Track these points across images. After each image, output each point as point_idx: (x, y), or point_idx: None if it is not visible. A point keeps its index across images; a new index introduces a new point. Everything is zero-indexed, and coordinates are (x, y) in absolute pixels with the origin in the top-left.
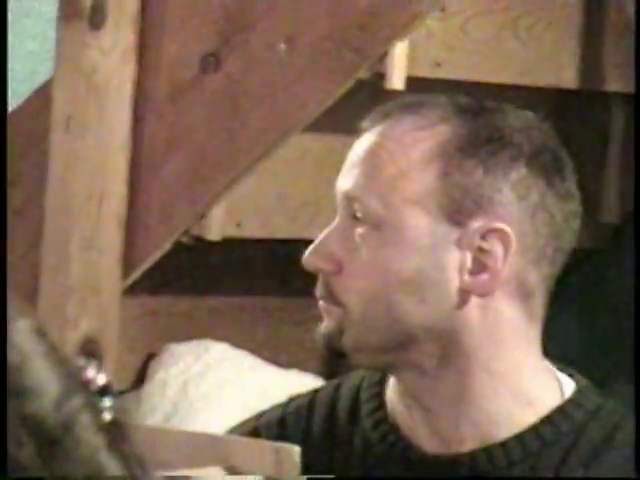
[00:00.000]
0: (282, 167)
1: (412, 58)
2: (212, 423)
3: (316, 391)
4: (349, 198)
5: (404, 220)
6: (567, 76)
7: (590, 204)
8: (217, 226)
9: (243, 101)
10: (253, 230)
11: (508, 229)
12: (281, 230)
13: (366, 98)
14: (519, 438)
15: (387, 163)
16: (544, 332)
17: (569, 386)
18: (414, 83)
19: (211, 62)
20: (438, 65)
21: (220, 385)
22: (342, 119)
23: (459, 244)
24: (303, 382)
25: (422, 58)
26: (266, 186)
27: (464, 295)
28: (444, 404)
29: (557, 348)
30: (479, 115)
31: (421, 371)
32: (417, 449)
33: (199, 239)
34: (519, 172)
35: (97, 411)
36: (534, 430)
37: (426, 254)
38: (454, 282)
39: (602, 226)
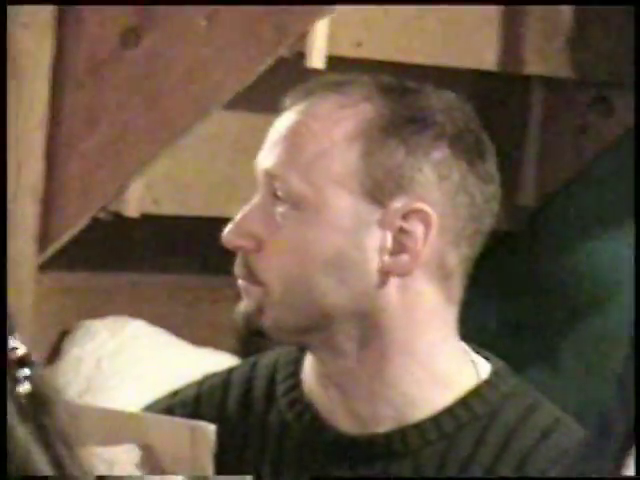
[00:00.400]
0: (201, 144)
1: (333, 37)
2: (127, 400)
3: (231, 370)
4: (270, 176)
5: (326, 199)
6: (487, 58)
7: (507, 187)
8: (135, 203)
9: (163, 77)
10: (171, 207)
11: (429, 209)
12: (199, 207)
13: (286, 77)
14: (434, 419)
15: (309, 141)
16: (460, 314)
17: (485, 368)
18: (335, 62)
19: (131, 37)
20: (359, 45)
21: (135, 362)
22: (262, 97)
23: (380, 224)
24: (219, 360)
25: (343, 37)
26: (185, 163)
27: (384, 276)
28: (361, 385)
29: (473, 330)
30: (402, 95)
31: (340, 352)
32: (333, 429)
33: (117, 215)
34: (441, 153)
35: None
36: (449, 411)
37: (347, 234)
38: (374, 263)
39: (519, 209)
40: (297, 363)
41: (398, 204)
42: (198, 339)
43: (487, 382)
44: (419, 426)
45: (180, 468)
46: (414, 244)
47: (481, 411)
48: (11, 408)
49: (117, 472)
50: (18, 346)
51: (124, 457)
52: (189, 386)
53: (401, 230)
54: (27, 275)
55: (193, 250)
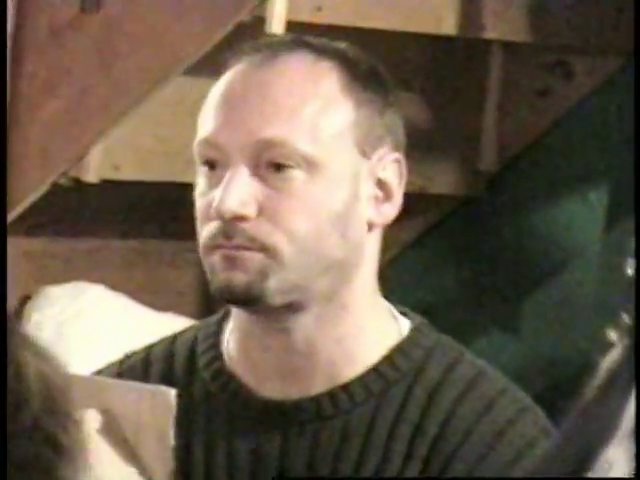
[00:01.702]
0: (161, 110)
1: (293, 2)
2: (87, 365)
3: (151, 346)
4: (270, 144)
5: (331, 155)
6: (446, 23)
7: (467, 151)
8: (95, 168)
9: (122, 43)
10: (131, 173)
11: (403, 159)
12: (159, 173)
13: (245, 42)
14: (361, 379)
15: (303, 102)
16: (418, 279)
17: (405, 324)
18: (294, 27)
19: (91, 2)
20: (319, 9)
21: (96, 327)
22: (222, 63)
23: (366, 176)
24: (179, 325)
25: (302, 2)
26: (145, 129)
27: (368, 227)
28: (303, 346)
29: (432, 295)
30: (351, 51)
31: (305, 309)
32: (259, 397)
33: (77, 181)
34: (394, 103)
35: None
36: (375, 370)
37: (349, 187)
38: (364, 214)
39: (479, 173)
40: (217, 336)
41: (378, 155)
42: (158, 304)
43: (409, 338)
44: (347, 387)
45: (141, 433)
46: (394, 194)
47: (406, 368)
48: None
49: None
50: None
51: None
52: (111, 365)
53: (380, 181)
54: (5, 222)
55: (153, 216)
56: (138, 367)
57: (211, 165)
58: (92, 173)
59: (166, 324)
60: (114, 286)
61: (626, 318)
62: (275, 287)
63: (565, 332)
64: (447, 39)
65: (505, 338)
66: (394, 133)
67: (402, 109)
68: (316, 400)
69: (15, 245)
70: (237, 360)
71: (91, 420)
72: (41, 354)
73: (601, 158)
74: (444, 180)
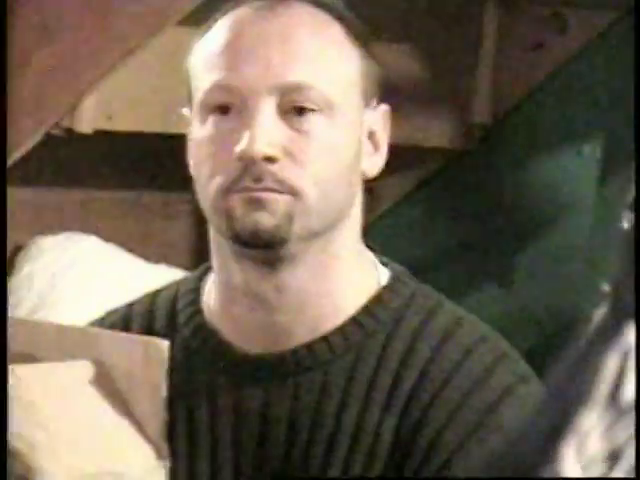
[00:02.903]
0: (155, 60)
1: None
2: (80, 316)
3: (132, 304)
4: (295, 88)
5: (347, 101)
6: None
7: (461, 104)
8: (88, 118)
9: None
10: (124, 123)
11: (389, 109)
12: (153, 124)
13: None
14: (340, 330)
15: (324, 47)
16: (410, 233)
17: (384, 274)
18: None
19: None
20: None
21: (88, 278)
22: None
23: (364, 125)
24: (172, 276)
25: None
26: (138, 79)
27: (361, 177)
28: (294, 303)
29: (425, 249)
30: (339, 4)
31: (301, 260)
32: (240, 350)
33: (70, 131)
34: (373, 55)
35: None
36: (354, 321)
37: (357, 134)
38: (362, 163)
39: (473, 126)
40: (197, 292)
41: (373, 105)
42: (151, 255)
43: (388, 287)
44: (326, 339)
45: (133, 384)
46: (381, 145)
47: (385, 317)
48: None
49: None
50: None
51: (135, 470)
52: (92, 322)
53: (372, 132)
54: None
55: (146, 166)
56: (119, 324)
57: (223, 110)
58: (85, 123)
59: (158, 275)
60: (106, 237)
61: (619, 272)
62: (298, 231)
63: (558, 286)
64: None
65: (498, 292)
66: (379, 85)
67: (396, 62)
68: (296, 353)
69: (8, 195)
70: (218, 316)
71: (83, 371)
72: None
73: (596, 112)
74: (437, 133)
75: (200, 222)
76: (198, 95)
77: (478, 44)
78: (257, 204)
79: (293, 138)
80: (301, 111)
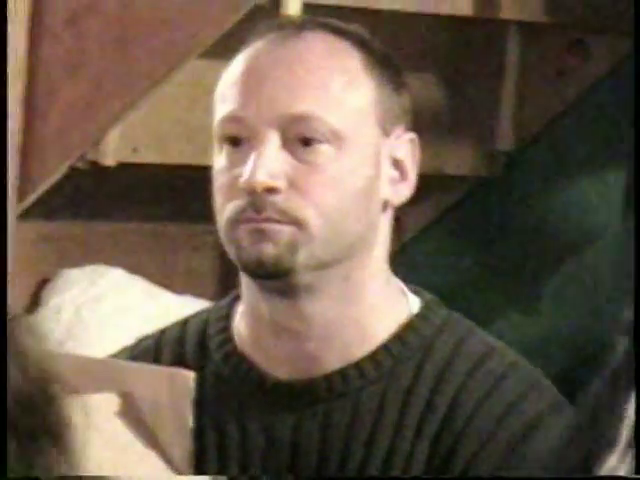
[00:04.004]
0: (179, 93)
1: None
2: (106, 348)
3: (163, 330)
4: (300, 119)
5: (356, 131)
6: (463, 3)
7: (485, 132)
8: (113, 151)
9: (139, 26)
10: (149, 155)
11: (416, 138)
12: (177, 155)
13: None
14: (372, 357)
15: (330, 77)
16: (436, 260)
17: (415, 302)
18: (310, 9)
19: None
20: None
21: (114, 310)
22: (239, 45)
23: (385, 154)
24: (197, 307)
25: None
26: (162, 112)
27: (384, 206)
28: (320, 331)
29: (448, 276)
30: (365, 33)
31: (324, 289)
32: (271, 377)
33: (95, 164)
34: (406, 84)
35: None
36: (385, 348)
37: (371, 163)
38: (382, 191)
39: (497, 154)
40: (228, 319)
41: (396, 134)
42: (177, 287)
43: (419, 315)
44: (358, 365)
45: (159, 415)
46: (409, 173)
47: (416, 345)
48: None
49: None
50: None
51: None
52: (123, 350)
53: (397, 160)
54: (6, 224)
55: (171, 198)
56: (150, 351)
57: (234, 142)
58: (110, 156)
59: (184, 306)
60: (132, 269)
61: None
62: (303, 261)
63: (584, 313)
64: (464, 20)
65: (524, 319)
66: (408, 114)
67: (420, 90)
68: (328, 379)
69: (34, 228)
70: (249, 343)
71: (109, 403)
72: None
73: (620, 139)
74: (461, 161)
75: (225, 253)
76: (214, 126)
77: (501, 72)
78: (260, 235)
79: (298, 169)
80: (307, 142)
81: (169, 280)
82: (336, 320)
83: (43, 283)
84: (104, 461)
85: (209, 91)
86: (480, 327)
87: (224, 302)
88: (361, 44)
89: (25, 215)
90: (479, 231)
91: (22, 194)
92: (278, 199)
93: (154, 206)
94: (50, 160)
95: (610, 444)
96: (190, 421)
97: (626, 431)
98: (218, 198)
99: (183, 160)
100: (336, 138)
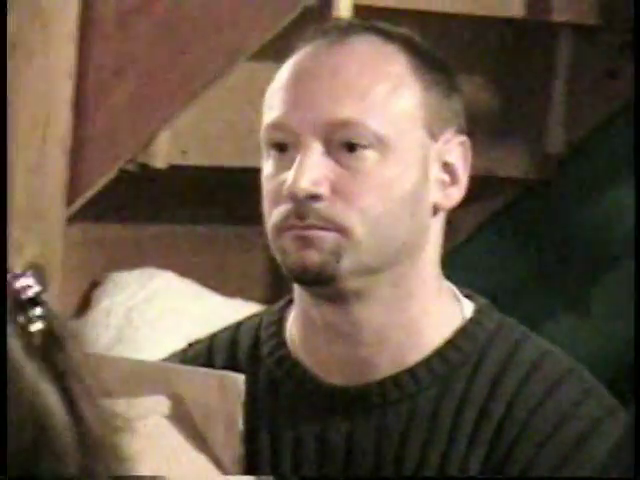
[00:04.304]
0: (228, 95)
1: None
2: (156, 352)
3: (215, 335)
4: (343, 125)
5: (402, 135)
6: (515, 6)
7: (535, 135)
8: (163, 154)
9: (189, 28)
10: (199, 158)
11: (467, 141)
12: (227, 158)
13: (313, 26)
14: (426, 363)
15: (375, 82)
16: (487, 263)
17: (468, 306)
18: (361, 11)
19: None
20: None
21: (164, 313)
22: (289, 47)
23: (434, 158)
24: (247, 310)
25: None
26: (212, 114)
27: (433, 210)
28: (372, 337)
29: (502, 279)
30: (414, 36)
31: (375, 294)
32: (325, 382)
33: (145, 167)
34: (458, 87)
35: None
36: (439, 353)
37: (418, 169)
38: (432, 195)
39: (547, 157)
40: (280, 323)
41: (445, 137)
42: (227, 290)
43: (472, 320)
44: (412, 371)
45: (210, 418)
46: (459, 177)
47: (470, 350)
48: (17, 347)
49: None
50: (31, 284)
51: None
52: (174, 354)
53: (447, 164)
54: (56, 227)
55: (221, 201)
56: (202, 356)
57: (280, 148)
58: (160, 159)
59: (235, 309)
60: (182, 271)
61: None
62: (348, 268)
63: (635, 315)
64: (515, 22)
65: (576, 322)
66: (459, 116)
67: (471, 93)
68: (382, 385)
69: (83, 231)
70: (301, 347)
71: (159, 406)
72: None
73: None
74: (512, 163)
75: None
76: (261, 132)
77: (552, 74)
78: (304, 242)
79: (341, 175)
80: (350, 148)
81: (219, 283)
82: (387, 325)
83: (93, 286)
84: (155, 465)
85: (259, 94)
86: (531, 330)
87: (277, 306)
88: (408, 47)
89: (75, 218)
90: (530, 234)
91: (71, 197)
92: (321, 206)
93: (204, 209)
94: (99, 163)
95: None
96: (240, 424)
97: None
98: (266, 204)
99: (232, 163)
100: (380, 143)
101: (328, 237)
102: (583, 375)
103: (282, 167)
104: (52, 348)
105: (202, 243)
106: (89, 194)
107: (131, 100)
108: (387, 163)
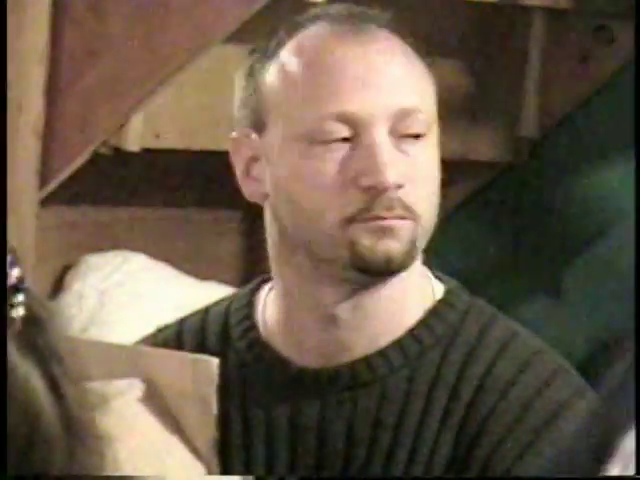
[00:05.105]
0: (202, 78)
1: None
2: (129, 335)
3: (183, 319)
4: (409, 113)
5: (436, 122)
6: None
7: (509, 118)
8: (136, 137)
9: (162, 10)
10: (172, 141)
11: None
12: (201, 141)
13: (287, 9)
14: (398, 344)
15: (416, 70)
16: (460, 246)
17: (439, 288)
18: None
19: None
20: None
21: (138, 296)
22: (263, 30)
23: None
24: (221, 293)
25: None
26: (186, 97)
27: None
28: (363, 316)
29: (474, 262)
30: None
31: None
32: (296, 365)
33: (118, 150)
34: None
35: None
36: (411, 334)
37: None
38: None
39: (521, 140)
40: (250, 306)
41: None
42: (201, 273)
43: (443, 301)
44: (383, 352)
45: (183, 402)
46: None
47: (441, 331)
48: (11, 342)
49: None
50: (14, 271)
51: None
52: (143, 339)
53: None
54: (28, 210)
55: (195, 184)
56: (171, 341)
57: (334, 140)
58: (133, 141)
59: (207, 293)
60: (155, 254)
61: None
62: (416, 255)
63: (607, 298)
64: (488, 6)
65: (548, 304)
66: None
67: (444, 76)
68: (353, 367)
69: (56, 214)
70: (275, 331)
71: (132, 389)
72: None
73: None
74: (485, 147)
75: (249, 239)
76: (296, 125)
77: (525, 58)
78: (387, 232)
79: (407, 163)
80: (414, 136)
81: (193, 266)
82: (381, 310)
83: (66, 269)
84: (128, 447)
85: (232, 77)
86: (504, 313)
87: (246, 289)
88: (405, 37)
89: (47, 201)
90: (503, 217)
91: (44, 180)
92: (402, 195)
93: (177, 192)
94: (72, 146)
95: (631, 423)
96: (214, 407)
97: None
98: (317, 197)
99: (207, 146)
100: (429, 129)
101: (407, 225)
102: (552, 356)
103: (340, 160)
104: (33, 331)
105: (176, 226)
106: (62, 177)
107: (104, 84)
108: (434, 148)
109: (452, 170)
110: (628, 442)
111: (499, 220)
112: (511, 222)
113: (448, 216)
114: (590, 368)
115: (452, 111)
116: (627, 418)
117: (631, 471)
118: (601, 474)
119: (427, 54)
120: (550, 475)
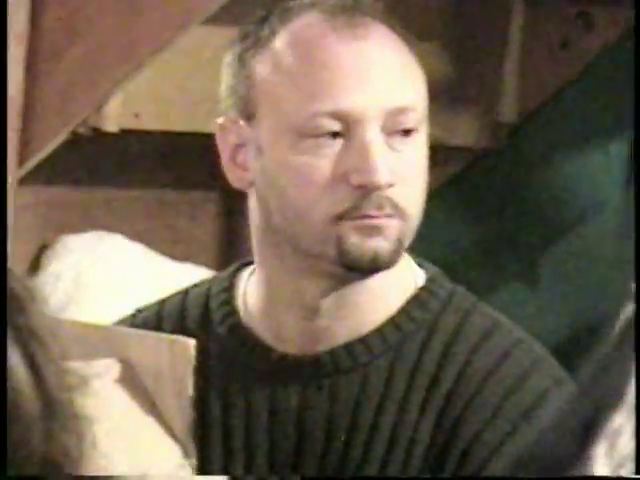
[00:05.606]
0: (181, 59)
1: None
2: (105, 315)
3: (163, 301)
4: (403, 111)
5: (426, 117)
6: None
7: (488, 104)
8: (114, 117)
9: None
10: (151, 122)
11: None
12: (179, 123)
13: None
14: (379, 331)
15: (412, 67)
16: (437, 232)
17: (420, 275)
18: None
19: None
20: None
21: (114, 277)
22: (242, 12)
23: None
24: (198, 275)
25: None
26: (165, 78)
27: None
28: (345, 307)
29: (451, 248)
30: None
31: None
32: (276, 351)
33: (96, 130)
34: None
35: None
36: (392, 322)
37: None
38: None
39: (500, 126)
40: (230, 291)
41: None
42: (177, 254)
43: (425, 289)
44: (364, 339)
45: (160, 383)
46: None
47: (422, 319)
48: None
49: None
50: None
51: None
52: (122, 320)
53: None
54: (6, 189)
55: (173, 165)
56: (150, 322)
57: (326, 136)
58: (112, 122)
59: (184, 274)
60: (132, 236)
61: None
62: (402, 253)
63: (585, 286)
64: None
65: (524, 292)
66: None
67: (423, 61)
68: (334, 353)
69: (34, 194)
70: (257, 317)
71: (108, 369)
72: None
73: (622, 110)
74: (463, 132)
75: (225, 221)
76: (287, 118)
77: (504, 43)
78: (376, 231)
79: (398, 160)
80: (406, 132)
81: (169, 247)
82: (362, 300)
83: (43, 249)
84: (104, 428)
85: (212, 57)
86: (480, 298)
87: (226, 273)
88: (392, 27)
89: (25, 180)
90: (481, 203)
91: (22, 159)
92: (391, 194)
93: (155, 173)
94: (51, 125)
95: (615, 404)
96: (190, 389)
97: (631, 392)
98: (306, 192)
99: (185, 127)
100: (421, 125)
101: (394, 225)
102: (532, 345)
103: (330, 156)
104: (13, 310)
105: (153, 207)
106: (40, 156)
107: (83, 63)
108: (423, 145)
109: (430, 155)
110: (617, 419)
111: (477, 206)
112: (489, 208)
113: (426, 201)
114: (567, 352)
115: (431, 96)
116: (610, 398)
117: (620, 450)
118: (586, 458)
119: (407, 39)
120: (530, 462)
